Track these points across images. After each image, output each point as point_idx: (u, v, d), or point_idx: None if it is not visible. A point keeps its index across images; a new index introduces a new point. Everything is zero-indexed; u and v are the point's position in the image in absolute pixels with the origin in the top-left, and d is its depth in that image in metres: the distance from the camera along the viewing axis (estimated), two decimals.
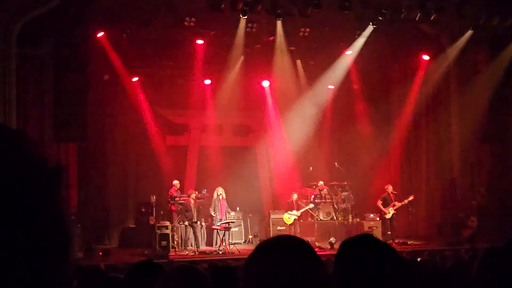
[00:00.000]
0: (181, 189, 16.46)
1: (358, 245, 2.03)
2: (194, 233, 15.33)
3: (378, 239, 2.09)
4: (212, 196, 16.06)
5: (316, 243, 15.53)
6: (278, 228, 16.38)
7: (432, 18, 15.11)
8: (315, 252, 1.56)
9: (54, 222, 0.93)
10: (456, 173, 18.05)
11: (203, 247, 15.63)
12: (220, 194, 15.92)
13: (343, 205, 17.28)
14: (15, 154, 0.91)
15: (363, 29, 16.57)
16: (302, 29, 16.50)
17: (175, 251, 14.87)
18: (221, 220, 15.59)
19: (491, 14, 15.24)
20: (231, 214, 16.22)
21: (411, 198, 16.16)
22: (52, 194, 0.93)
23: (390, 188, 16.43)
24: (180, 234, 15.56)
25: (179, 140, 18.94)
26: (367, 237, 2.08)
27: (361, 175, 18.13)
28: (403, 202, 16.18)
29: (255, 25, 16.00)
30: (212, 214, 15.89)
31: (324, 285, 1.50)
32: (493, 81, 17.00)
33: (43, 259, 0.90)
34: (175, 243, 15.20)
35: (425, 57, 18.13)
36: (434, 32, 16.98)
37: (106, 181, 17.57)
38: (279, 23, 16.01)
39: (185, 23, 15.50)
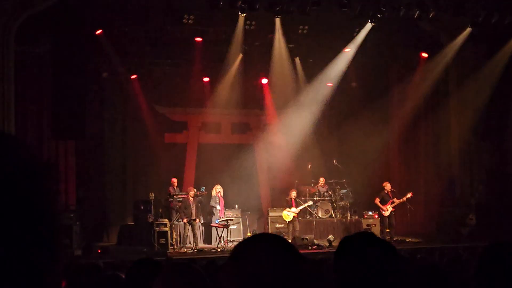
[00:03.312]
0: (180, 187, 16.48)
1: (358, 243, 2.04)
2: (193, 230, 15.34)
3: (378, 237, 2.10)
4: (211, 194, 16.09)
5: (315, 240, 15.52)
6: (277, 225, 16.38)
7: (430, 16, 15.12)
8: (295, 247, 1.58)
9: (43, 218, 0.94)
10: (454, 171, 18.05)
11: (201, 245, 15.64)
12: (219, 191, 15.95)
13: (342, 203, 17.30)
14: (2, 153, 0.93)
15: (362, 27, 16.58)
16: (301, 27, 16.50)
17: (173, 248, 14.87)
18: (220, 217, 15.61)
19: (490, 11, 15.24)
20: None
21: (409, 195, 16.16)
22: (41, 191, 0.94)
23: (388, 186, 16.45)
24: (178, 231, 15.56)
25: (177, 137, 18.95)
26: (367, 235, 2.08)
27: (359, 173, 18.13)
28: (401, 199, 16.19)
29: (253, 22, 15.99)
30: (215, 206, 15.86)
31: (305, 280, 1.51)
32: (492, 79, 16.99)
33: (32, 254, 0.92)
34: (174, 240, 15.20)
35: (424, 55, 18.13)
36: (432, 29, 16.98)
37: (104, 178, 17.57)
38: (277, 21, 15.99)
39: (184, 20, 15.49)
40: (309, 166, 18.45)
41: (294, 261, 1.51)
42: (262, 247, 1.53)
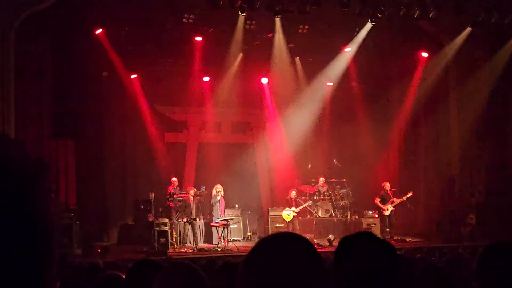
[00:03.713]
0: (180, 186, 16.48)
1: (357, 242, 2.04)
2: (193, 230, 15.34)
3: (377, 237, 2.10)
4: (211, 193, 16.08)
5: (315, 240, 15.54)
6: (277, 225, 16.38)
7: (430, 15, 15.11)
8: (315, 248, 1.56)
9: (37, 218, 0.93)
10: (454, 170, 18.05)
11: (201, 244, 15.63)
12: (219, 191, 15.95)
13: (342, 202, 17.29)
14: None
15: (362, 26, 16.57)
16: (301, 26, 16.50)
17: (173, 248, 14.87)
18: (220, 217, 15.61)
19: (489, 11, 15.24)
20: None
21: (409, 194, 16.15)
22: (35, 190, 0.94)
23: (387, 186, 16.44)
24: (178, 231, 15.55)
25: (178, 137, 18.95)
26: (366, 235, 2.08)
27: (359, 172, 18.12)
28: (402, 199, 16.19)
29: (253, 22, 16.00)
30: (215, 205, 15.86)
31: (323, 281, 1.50)
32: (492, 78, 16.99)
33: (26, 255, 0.91)
34: (174, 240, 15.20)
35: (424, 54, 18.12)
36: (432, 29, 16.97)
37: (104, 178, 17.56)
38: (277, 20, 15.98)
39: (184, 20, 15.49)
40: (309, 165, 18.44)
41: (315, 264, 1.50)
42: (283, 247, 1.51)
